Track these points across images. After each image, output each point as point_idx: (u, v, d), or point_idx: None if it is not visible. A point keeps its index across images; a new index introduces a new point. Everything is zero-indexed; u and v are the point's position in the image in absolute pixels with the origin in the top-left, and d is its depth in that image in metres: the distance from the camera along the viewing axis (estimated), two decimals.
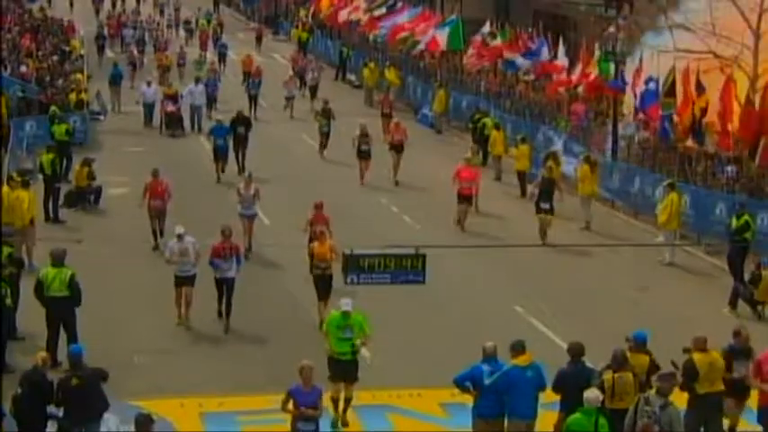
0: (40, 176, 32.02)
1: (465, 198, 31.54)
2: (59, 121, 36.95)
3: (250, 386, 20.16)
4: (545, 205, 30.18)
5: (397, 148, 36.68)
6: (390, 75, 51.69)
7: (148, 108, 45.78)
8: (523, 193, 35.21)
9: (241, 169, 36.33)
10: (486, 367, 16.88)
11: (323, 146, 40.41)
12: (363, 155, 36.42)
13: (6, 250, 22.34)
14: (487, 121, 40.30)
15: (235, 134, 37.19)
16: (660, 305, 25.57)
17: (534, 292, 26.16)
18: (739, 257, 26.71)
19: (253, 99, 47.39)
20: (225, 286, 23.30)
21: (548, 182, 30.60)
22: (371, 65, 53.38)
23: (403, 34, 50.98)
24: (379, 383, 20.51)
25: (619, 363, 16.57)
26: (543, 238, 29.83)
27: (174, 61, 55.31)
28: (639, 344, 17.48)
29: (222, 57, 60.09)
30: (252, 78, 49.34)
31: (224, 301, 23.39)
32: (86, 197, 32.87)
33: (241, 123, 37.51)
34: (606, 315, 24.88)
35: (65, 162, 34.92)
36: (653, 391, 16.02)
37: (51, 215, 31.02)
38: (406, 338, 22.61)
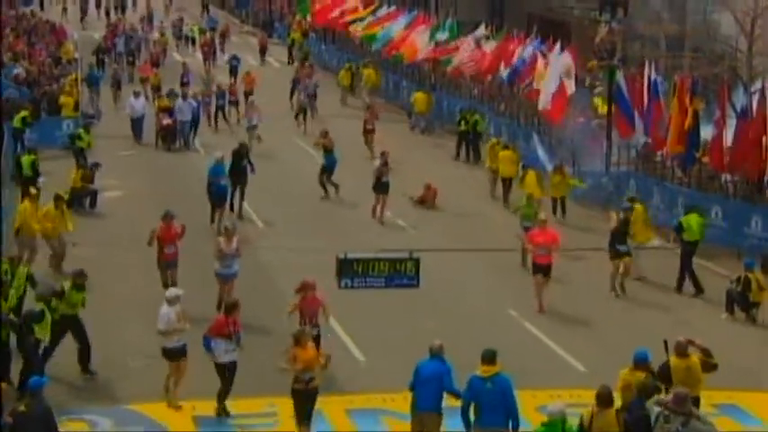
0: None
1: (541, 268, 25.36)
2: (86, 131, 37.28)
3: (243, 390, 20.10)
4: (623, 247, 26.49)
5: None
6: (370, 73, 52.11)
7: (137, 123, 42.39)
8: (506, 200, 34.32)
9: (239, 212, 32.27)
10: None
11: (323, 184, 34.86)
12: (382, 188, 32.32)
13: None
14: (478, 118, 40.83)
15: (236, 169, 32.16)
16: (656, 309, 25.56)
17: (528, 296, 26.09)
18: (684, 258, 26.92)
19: (220, 109, 44.97)
20: (227, 371, 19.43)
21: (626, 222, 27.05)
22: (351, 65, 53.73)
23: (401, 47, 50.80)
24: (374, 387, 20.52)
25: (602, 401, 15.85)
26: (616, 287, 26.60)
27: (175, 79, 49.35)
28: (639, 363, 17.15)
29: (233, 71, 54.74)
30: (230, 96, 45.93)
31: (224, 386, 19.56)
32: (81, 200, 32.79)
33: (243, 157, 32.58)
34: (601, 319, 24.87)
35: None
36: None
37: None
38: (401, 342, 22.56)
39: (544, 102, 37.65)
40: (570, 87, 37.04)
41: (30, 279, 22.24)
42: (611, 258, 26.54)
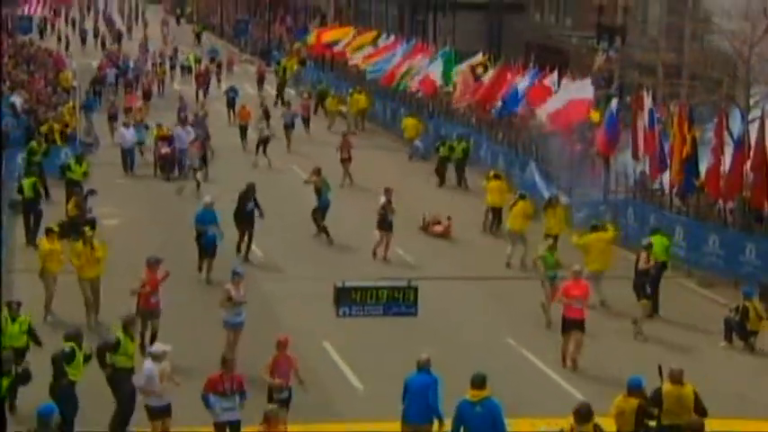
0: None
1: (573, 323, 23.33)
2: (78, 162, 36.40)
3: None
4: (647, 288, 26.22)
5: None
6: (358, 99, 52.91)
7: (128, 153, 41.78)
8: (496, 227, 34.13)
9: (245, 257, 30.33)
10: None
11: (317, 221, 32.98)
12: (387, 227, 30.88)
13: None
14: (465, 145, 41.49)
15: (242, 212, 30.30)
16: (653, 337, 25.51)
17: (526, 324, 26.05)
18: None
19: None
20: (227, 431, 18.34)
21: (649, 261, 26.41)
22: (336, 94, 54.84)
23: (399, 74, 50.97)
24: (371, 415, 20.45)
25: (580, 417, 15.85)
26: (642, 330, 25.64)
27: (170, 109, 48.95)
28: (633, 390, 17.21)
29: (231, 103, 53.75)
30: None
31: None
32: (78, 228, 32.62)
33: (250, 200, 30.41)
34: (598, 347, 24.78)
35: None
36: None
37: (31, 239, 30.90)
38: (398, 370, 22.44)
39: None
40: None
41: (31, 333, 21.23)
42: (640, 299, 26.01)
